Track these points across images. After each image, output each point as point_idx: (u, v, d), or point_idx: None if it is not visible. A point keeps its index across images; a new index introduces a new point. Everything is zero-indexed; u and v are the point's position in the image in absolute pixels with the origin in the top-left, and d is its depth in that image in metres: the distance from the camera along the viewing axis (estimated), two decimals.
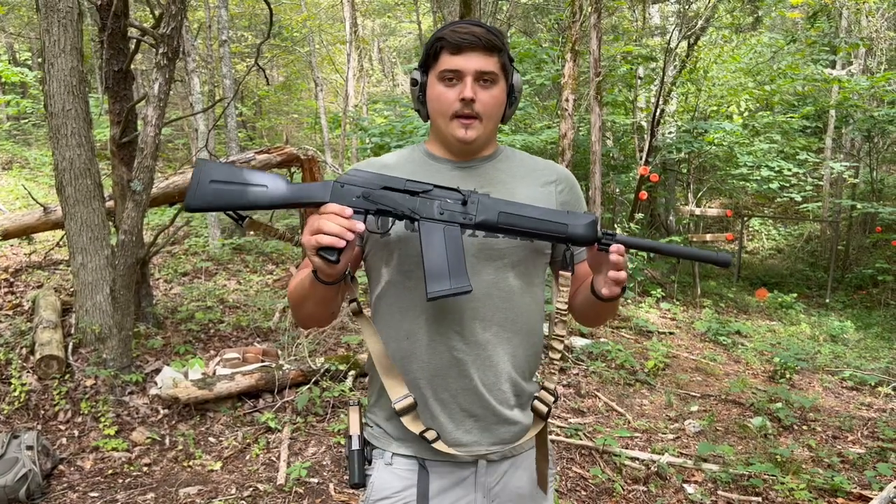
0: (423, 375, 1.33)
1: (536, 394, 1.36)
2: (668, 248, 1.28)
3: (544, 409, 1.34)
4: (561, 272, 1.29)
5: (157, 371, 4.30)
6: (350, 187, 1.23)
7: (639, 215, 9.30)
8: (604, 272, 1.26)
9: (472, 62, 1.28)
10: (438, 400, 1.33)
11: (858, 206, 11.63)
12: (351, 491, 3.27)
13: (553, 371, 1.32)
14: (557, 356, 1.31)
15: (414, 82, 1.37)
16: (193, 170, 1.23)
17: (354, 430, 1.39)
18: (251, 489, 3.30)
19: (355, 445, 1.37)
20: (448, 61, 1.29)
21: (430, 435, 1.30)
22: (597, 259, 1.27)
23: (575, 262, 1.44)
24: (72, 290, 4.80)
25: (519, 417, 1.39)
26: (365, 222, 1.21)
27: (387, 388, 1.30)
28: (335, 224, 1.13)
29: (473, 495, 1.36)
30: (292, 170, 6.84)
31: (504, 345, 1.34)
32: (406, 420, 1.30)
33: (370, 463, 1.39)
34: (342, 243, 1.13)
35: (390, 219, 1.26)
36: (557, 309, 1.29)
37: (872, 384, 6.07)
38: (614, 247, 1.21)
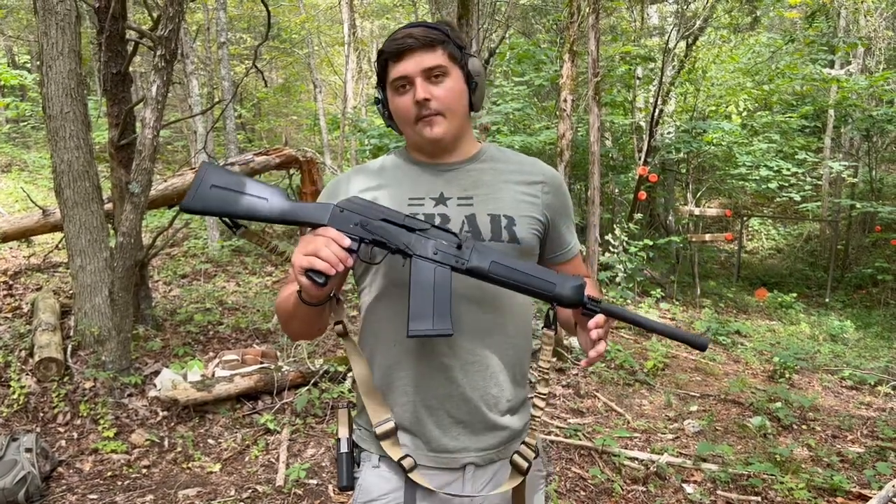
0: (410, 382, 1.33)
1: (518, 448, 1.34)
2: (649, 324, 1.26)
3: (523, 464, 1.32)
4: (544, 331, 1.26)
5: (156, 373, 4.30)
6: (349, 213, 1.23)
7: (638, 215, 9.30)
8: (587, 336, 1.25)
9: (415, 63, 1.27)
10: (426, 406, 1.32)
11: (858, 205, 11.64)
12: (350, 496, 3.27)
13: (535, 426, 1.31)
14: (539, 413, 1.30)
15: (377, 101, 1.38)
16: (197, 171, 1.22)
17: (343, 433, 1.40)
18: (250, 491, 3.30)
19: (344, 448, 1.38)
20: (395, 70, 1.29)
21: (408, 463, 1.30)
22: (583, 320, 1.26)
23: (563, 262, 1.44)
24: (71, 292, 4.80)
25: (509, 423, 1.37)
26: (358, 250, 1.21)
27: (368, 412, 1.32)
28: (331, 252, 1.14)
29: (460, 499, 1.34)
30: (291, 171, 6.84)
31: (492, 348, 1.33)
32: (385, 445, 1.31)
33: (359, 465, 1.39)
34: (333, 271, 1.14)
35: (383, 251, 1.25)
36: (540, 367, 1.28)
37: (872, 383, 6.07)
38: (593, 322, 1.20)
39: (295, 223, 1.26)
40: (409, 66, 1.27)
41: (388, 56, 1.30)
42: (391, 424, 1.31)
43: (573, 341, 6.03)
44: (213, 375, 4.29)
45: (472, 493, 1.35)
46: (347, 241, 1.17)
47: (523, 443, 1.34)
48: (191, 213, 1.22)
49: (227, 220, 1.23)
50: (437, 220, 1.31)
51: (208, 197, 1.20)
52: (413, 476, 1.29)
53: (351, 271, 1.40)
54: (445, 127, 1.31)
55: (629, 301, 8.28)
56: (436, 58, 1.28)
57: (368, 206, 1.24)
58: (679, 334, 1.24)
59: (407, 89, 1.30)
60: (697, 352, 6.70)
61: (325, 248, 1.14)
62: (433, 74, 1.28)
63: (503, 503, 1.37)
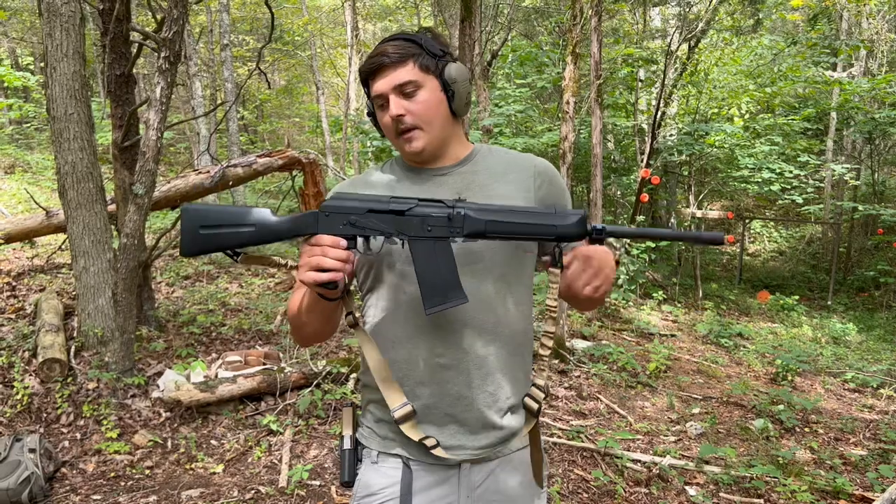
0: (407, 382, 1.34)
1: (527, 391, 1.38)
2: (657, 233, 1.29)
3: (535, 405, 1.37)
4: (550, 269, 1.26)
5: (159, 374, 4.31)
6: (335, 215, 1.25)
7: (640, 218, 9.30)
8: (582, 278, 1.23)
9: (388, 81, 1.31)
10: (423, 406, 1.34)
11: (860, 208, 11.63)
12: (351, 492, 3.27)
13: (543, 367, 1.33)
14: (547, 353, 1.32)
15: (369, 114, 1.41)
16: (181, 217, 1.28)
17: (347, 431, 1.43)
18: (253, 492, 3.30)
19: (347, 445, 1.41)
20: (372, 88, 1.34)
21: (430, 442, 1.32)
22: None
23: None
24: (74, 293, 4.81)
25: (507, 422, 1.38)
26: (355, 246, 1.24)
27: (385, 398, 1.33)
28: (332, 259, 1.18)
29: (457, 494, 1.36)
30: (294, 173, 6.85)
31: (488, 348, 1.34)
32: (405, 427, 1.32)
33: (361, 462, 1.42)
34: (341, 275, 1.19)
35: (379, 238, 1.27)
36: (548, 306, 1.29)
37: (874, 386, 6.06)
38: (568, 258, 1.21)
39: (288, 238, 1.29)
40: (382, 84, 1.31)
41: (365, 75, 1.34)
42: (409, 408, 1.32)
43: (575, 343, 6.03)
44: (215, 376, 4.30)
45: (475, 483, 1.37)
46: (344, 242, 1.21)
47: (533, 385, 1.37)
48: (190, 256, 1.30)
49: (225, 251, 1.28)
50: None
51: (201, 240, 1.26)
52: (437, 452, 1.32)
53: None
54: (424, 140, 1.34)
55: (630, 303, 8.28)
56: (407, 73, 1.30)
57: (352, 201, 1.26)
58: (689, 235, 1.25)
59: (385, 106, 1.33)
60: (699, 354, 6.71)
61: (325, 260, 1.18)
62: (405, 90, 1.31)
63: (519, 486, 1.40)
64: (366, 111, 1.43)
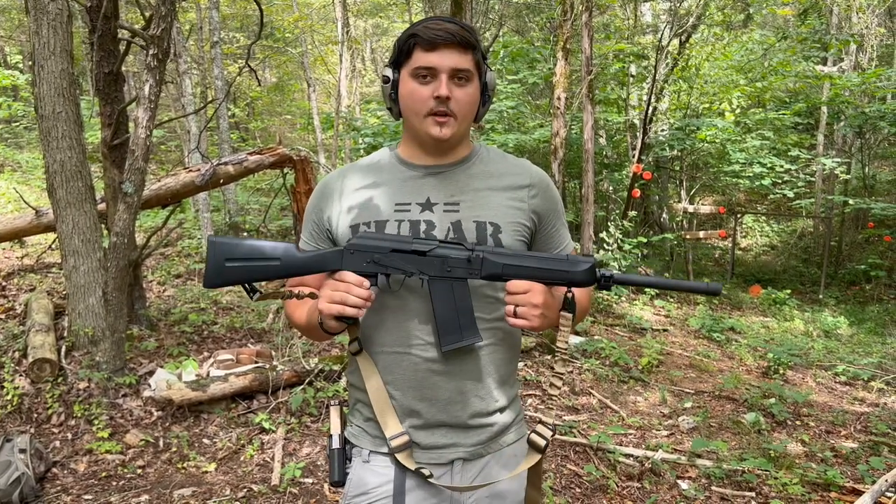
0: (399, 386, 1.35)
1: (535, 427, 1.36)
2: (662, 283, 1.32)
3: (541, 442, 1.34)
4: (562, 313, 1.29)
5: (151, 373, 4.29)
6: (359, 253, 1.29)
7: (632, 213, 9.32)
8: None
9: (447, 59, 1.27)
10: (412, 410, 1.35)
11: (851, 202, 11.66)
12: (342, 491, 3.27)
13: (552, 406, 1.34)
14: (557, 392, 1.35)
15: (385, 79, 1.36)
16: (207, 249, 1.31)
17: (335, 430, 1.42)
18: (245, 490, 3.30)
19: (336, 444, 1.41)
20: (422, 58, 1.28)
21: (426, 472, 1.32)
22: None
23: None
24: (64, 293, 4.79)
25: (496, 419, 1.39)
26: (377, 283, 1.28)
27: (382, 427, 1.34)
28: (356, 297, 1.23)
29: (450, 491, 1.36)
30: (285, 171, 6.83)
31: (478, 352, 1.35)
32: (401, 457, 1.33)
33: (351, 461, 1.42)
34: (362, 314, 1.25)
35: (399, 277, 1.31)
36: (558, 348, 1.31)
37: (865, 379, 6.10)
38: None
39: (312, 273, 1.33)
40: (440, 59, 1.27)
41: (420, 42, 1.28)
42: (406, 438, 1.33)
43: (570, 339, 6.04)
44: (207, 375, 4.29)
45: (467, 481, 1.36)
46: (367, 283, 1.25)
47: (540, 422, 1.35)
48: (213, 288, 1.33)
49: (245, 286, 1.31)
50: (423, 227, 1.32)
51: (226, 272, 1.30)
52: (433, 481, 1.33)
53: None
54: (454, 129, 1.32)
55: (623, 298, 8.31)
56: (466, 61, 1.29)
57: (376, 240, 1.29)
58: (688, 286, 1.32)
59: (428, 80, 1.29)
60: (691, 348, 6.74)
61: (350, 296, 1.23)
62: (459, 76, 1.29)
63: (510, 484, 1.39)
64: (384, 75, 1.36)
